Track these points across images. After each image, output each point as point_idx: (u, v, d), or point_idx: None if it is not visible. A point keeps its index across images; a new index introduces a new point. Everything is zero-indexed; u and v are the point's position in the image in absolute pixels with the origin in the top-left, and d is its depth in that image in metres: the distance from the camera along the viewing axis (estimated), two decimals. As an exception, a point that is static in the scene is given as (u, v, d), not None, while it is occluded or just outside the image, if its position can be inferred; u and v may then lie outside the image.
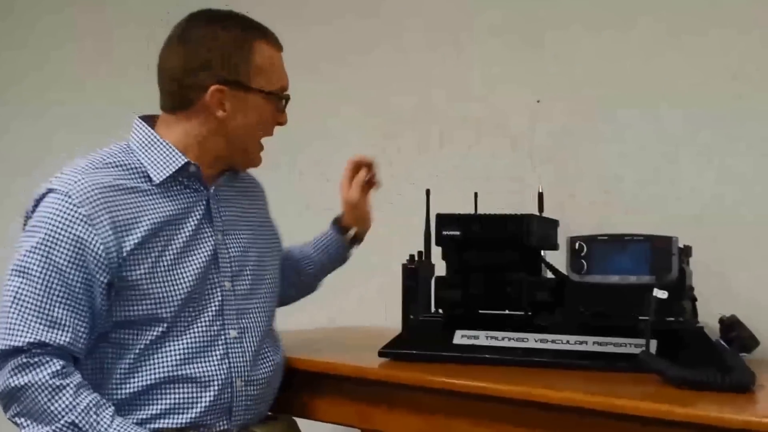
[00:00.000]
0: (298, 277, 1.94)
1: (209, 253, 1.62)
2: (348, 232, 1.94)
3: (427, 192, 1.94)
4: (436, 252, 1.76)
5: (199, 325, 1.60)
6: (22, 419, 1.49)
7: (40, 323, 1.49)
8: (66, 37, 3.20)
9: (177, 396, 1.56)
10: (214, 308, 1.61)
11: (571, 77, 2.18)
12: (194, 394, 1.57)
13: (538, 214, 1.84)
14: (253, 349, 1.65)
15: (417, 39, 2.46)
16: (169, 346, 1.57)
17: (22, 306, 1.49)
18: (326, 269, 1.98)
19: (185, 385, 1.57)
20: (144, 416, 1.55)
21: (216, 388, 1.58)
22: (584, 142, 2.15)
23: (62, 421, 1.46)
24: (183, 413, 1.56)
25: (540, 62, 2.24)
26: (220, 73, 1.59)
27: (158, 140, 1.61)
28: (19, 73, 3.32)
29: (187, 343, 1.58)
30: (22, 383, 1.47)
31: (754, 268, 1.92)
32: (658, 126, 2.06)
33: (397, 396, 1.60)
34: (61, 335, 1.49)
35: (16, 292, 1.50)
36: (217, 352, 1.60)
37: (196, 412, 1.57)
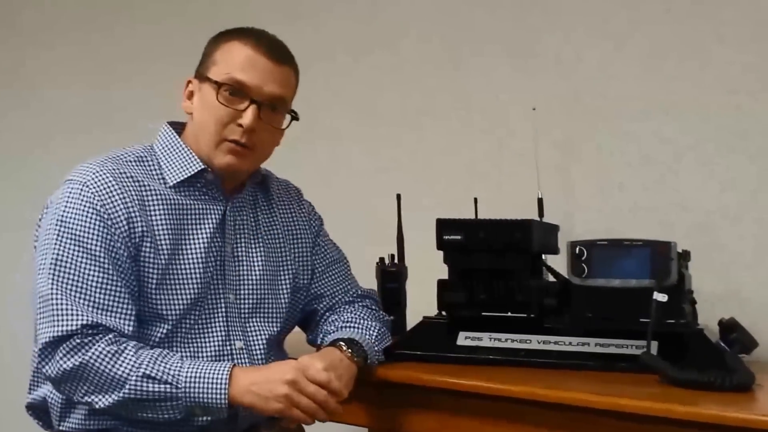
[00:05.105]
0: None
1: (217, 264, 1.62)
2: None
3: (398, 197, 1.98)
4: (431, 256, 1.77)
5: (205, 333, 1.60)
6: (92, 397, 1.47)
7: (89, 306, 1.48)
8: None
9: None
10: (219, 319, 1.61)
11: (572, 87, 2.20)
12: None
13: (538, 219, 1.86)
14: (260, 359, 1.64)
15: (413, 46, 2.45)
16: (175, 350, 1.56)
17: (65, 293, 1.48)
18: None
19: None
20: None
21: None
22: (586, 152, 2.17)
23: (133, 378, 1.44)
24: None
25: (540, 71, 2.24)
26: (197, 71, 1.65)
27: (180, 145, 1.63)
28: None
29: (193, 351, 1.58)
30: (77, 363, 1.45)
31: (756, 273, 1.93)
32: (660, 136, 2.07)
33: (405, 396, 1.62)
34: (112, 317, 1.49)
35: (54, 282, 1.49)
36: (225, 360, 1.59)
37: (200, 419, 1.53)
